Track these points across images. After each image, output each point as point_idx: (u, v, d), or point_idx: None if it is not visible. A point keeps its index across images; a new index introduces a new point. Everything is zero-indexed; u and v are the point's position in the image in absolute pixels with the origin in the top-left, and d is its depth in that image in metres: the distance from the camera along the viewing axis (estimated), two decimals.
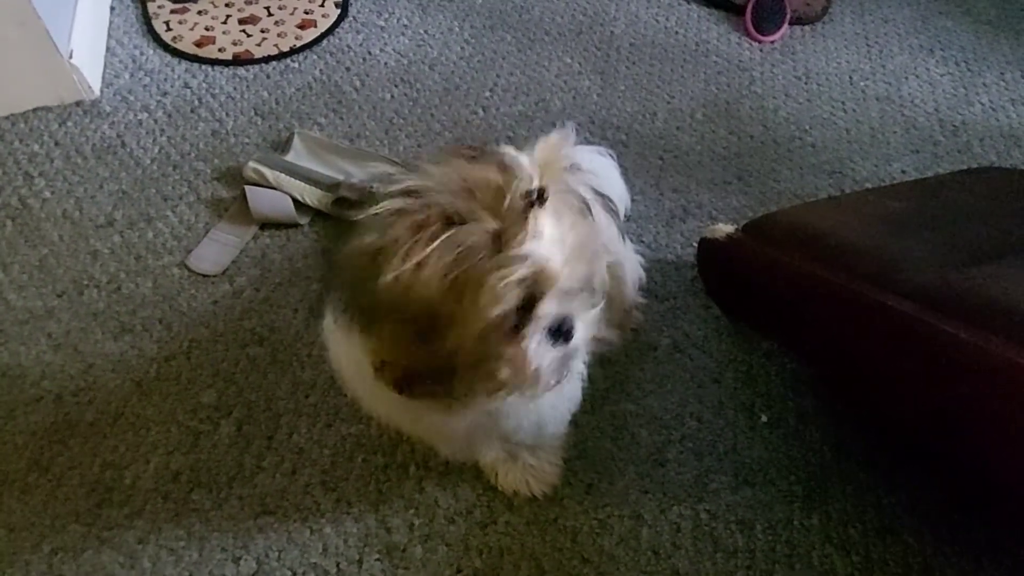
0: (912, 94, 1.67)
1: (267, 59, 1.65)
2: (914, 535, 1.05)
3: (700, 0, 1.85)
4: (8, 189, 1.39)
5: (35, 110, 1.52)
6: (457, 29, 1.74)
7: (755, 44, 1.76)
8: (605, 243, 0.79)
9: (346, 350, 0.75)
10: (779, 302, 1.15)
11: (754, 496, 1.08)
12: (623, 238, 1.06)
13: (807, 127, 1.59)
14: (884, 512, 1.07)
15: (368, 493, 1.06)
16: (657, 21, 1.80)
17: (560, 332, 0.67)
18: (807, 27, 1.81)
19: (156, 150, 1.47)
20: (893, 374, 0.95)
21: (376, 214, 0.64)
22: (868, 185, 1.49)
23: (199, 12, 1.74)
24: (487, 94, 1.61)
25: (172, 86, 1.59)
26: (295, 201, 1.35)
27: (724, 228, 1.24)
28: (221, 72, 1.62)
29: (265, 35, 1.69)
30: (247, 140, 1.49)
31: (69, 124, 1.50)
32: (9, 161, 1.44)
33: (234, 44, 1.67)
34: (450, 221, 0.61)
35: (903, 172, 1.52)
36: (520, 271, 0.61)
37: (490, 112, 1.57)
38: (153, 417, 1.13)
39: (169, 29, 1.69)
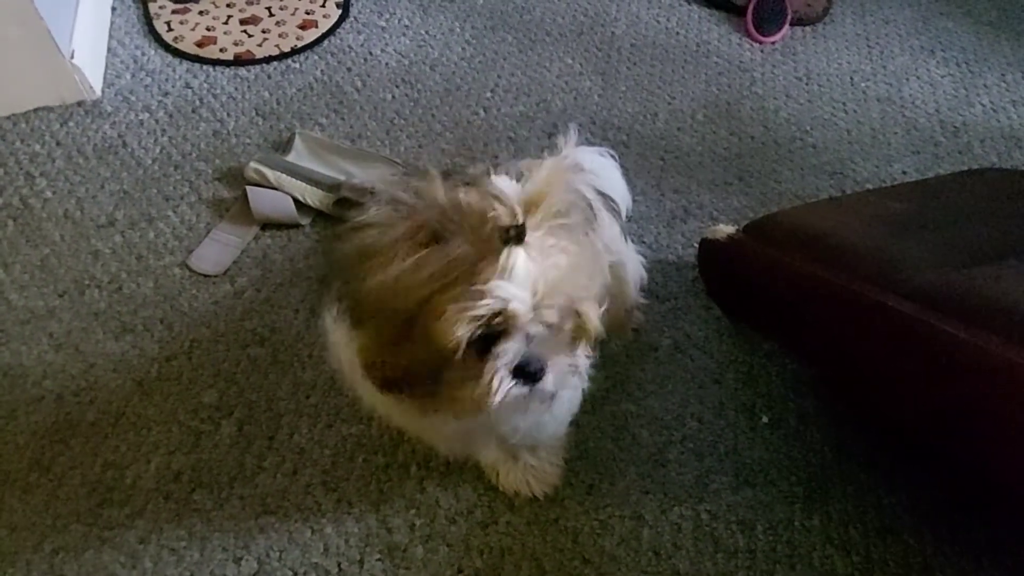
0: (913, 95, 1.67)
1: (268, 59, 1.65)
2: (914, 535, 1.05)
3: (701, 1, 1.85)
4: (10, 189, 1.40)
5: (37, 110, 1.52)
6: (458, 30, 1.74)
7: (756, 45, 1.76)
8: (604, 263, 0.77)
9: (345, 346, 0.76)
10: (780, 303, 1.15)
11: (755, 497, 1.08)
12: (625, 238, 1.06)
13: (808, 128, 1.59)
14: (885, 512, 1.07)
15: (369, 493, 1.06)
16: (658, 22, 1.80)
17: (524, 372, 0.66)
18: (808, 28, 1.81)
19: (157, 150, 1.47)
20: (893, 374, 0.95)
21: (367, 220, 0.65)
22: (869, 186, 1.49)
23: (200, 12, 1.74)
24: (488, 95, 1.61)
25: (173, 86, 1.59)
26: (296, 201, 1.35)
27: (725, 229, 1.24)
28: (222, 72, 1.62)
29: (266, 35, 1.70)
30: (248, 140, 1.49)
31: (71, 124, 1.51)
32: (11, 161, 1.44)
33: (235, 44, 1.68)
34: (435, 238, 0.62)
35: (904, 173, 1.52)
36: (478, 308, 0.60)
37: (491, 113, 1.57)
38: (154, 417, 1.13)
39: (170, 29, 1.70)
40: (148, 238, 1.34)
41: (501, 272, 0.60)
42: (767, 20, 1.76)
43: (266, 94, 1.58)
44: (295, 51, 1.67)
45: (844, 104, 1.64)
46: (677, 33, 1.77)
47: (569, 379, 0.72)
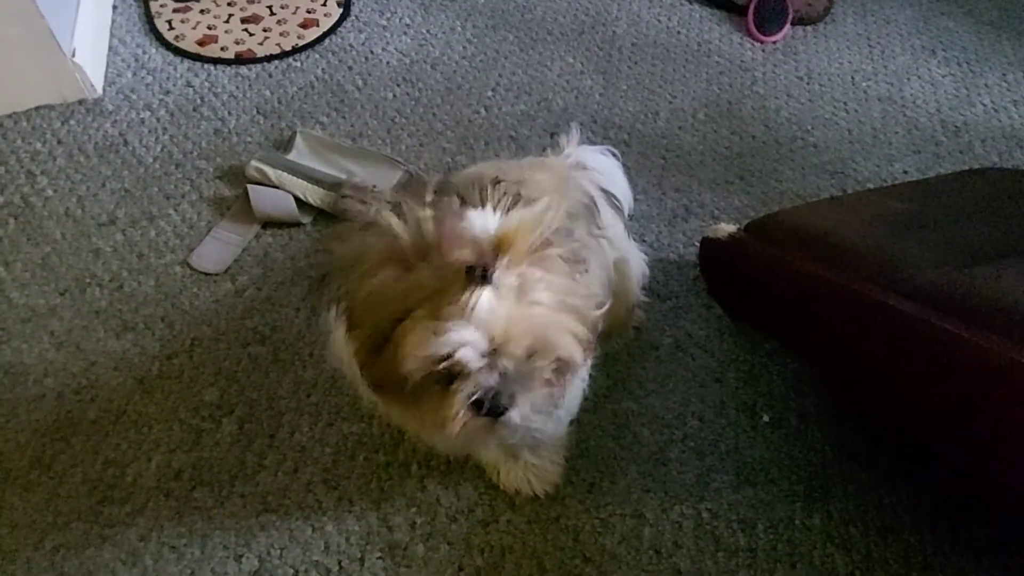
0: (914, 95, 1.67)
1: (269, 58, 1.65)
2: (915, 534, 1.05)
3: (702, 0, 1.85)
4: (11, 187, 1.40)
5: (38, 108, 1.52)
6: (459, 28, 1.74)
7: (757, 44, 1.76)
8: (603, 279, 0.76)
9: (345, 344, 0.76)
10: (781, 302, 1.15)
11: (756, 495, 1.08)
12: (628, 236, 1.07)
13: (809, 127, 1.59)
14: (885, 511, 1.07)
15: (370, 491, 1.06)
16: (659, 21, 1.80)
17: (485, 405, 0.65)
18: (809, 27, 1.81)
19: (158, 149, 1.47)
20: (894, 374, 0.95)
21: (363, 225, 0.66)
22: (870, 185, 1.49)
23: (201, 11, 1.74)
24: (489, 93, 1.61)
25: (174, 85, 1.59)
26: (297, 200, 1.35)
27: (726, 228, 1.24)
28: (223, 71, 1.62)
29: (267, 34, 1.70)
30: (249, 139, 1.49)
31: (72, 122, 1.51)
32: (12, 159, 1.44)
33: (236, 43, 1.68)
34: (409, 262, 0.62)
35: (905, 172, 1.52)
36: (432, 349, 0.60)
37: (492, 111, 1.57)
38: (155, 415, 1.13)
39: (171, 28, 1.70)
40: (149, 236, 1.34)
41: (462, 312, 0.59)
42: (768, 19, 1.76)
43: (267, 93, 1.58)
44: (296, 50, 1.67)
45: (845, 103, 1.64)
46: (678, 32, 1.77)
47: (545, 410, 0.71)
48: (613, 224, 0.99)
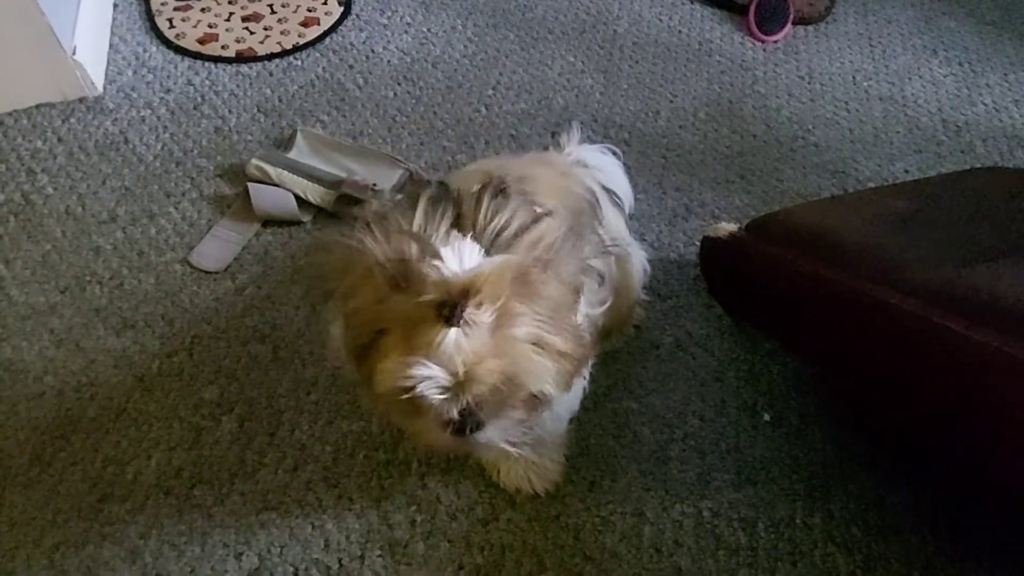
0: (915, 94, 1.67)
1: (270, 56, 1.65)
2: (916, 534, 1.05)
3: None
4: (11, 185, 1.40)
5: (38, 106, 1.52)
6: (460, 27, 1.74)
7: (758, 44, 1.76)
8: (584, 326, 0.75)
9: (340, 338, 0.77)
10: (781, 301, 1.15)
11: (756, 494, 1.08)
12: (629, 233, 1.07)
13: (810, 127, 1.59)
14: (886, 511, 1.07)
15: (370, 489, 1.06)
16: (660, 20, 1.80)
17: (455, 425, 0.65)
18: (810, 27, 1.81)
19: (159, 147, 1.47)
20: (895, 373, 0.95)
21: (342, 242, 0.66)
22: (871, 185, 1.49)
23: (202, 9, 1.74)
24: (490, 92, 1.61)
25: (175, 83, 1.59)
26: (297, 198, 1.35)
27: (727, 227, 1.24)
28: (224, 69, 1.62)
29: (268, 33, 1.69)
30: (250, 137, 1.49)
31: (72, 120, 1.50)
32: (12, 157, 1.44)
33: (237, 41, 1.67)
34: (387, 284, 0.62)
35: (906, 172, 1.52)
36: (399, 378, 0.61)
37: (493, 110, 1.57)
38: (155, 413, 1.13)
39: (172, 26, 1.70)
40: (149, 234, 1.34)
41: (428, 347, 0.59)
42: (769, 19, 1.75)
43: (268, 91, 1.58)
44: (297, 48, 1.67)
45: (846, 103, 1.64)
46: (679, 32, 1.77)
47: (517, 434, 0.71)
48: (614, 221, 0.99)
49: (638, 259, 1.08)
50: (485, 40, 1.72)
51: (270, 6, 1.75)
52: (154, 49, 1.65)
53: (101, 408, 1.13)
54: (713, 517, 1.05)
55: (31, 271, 1.28)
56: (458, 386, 0.61)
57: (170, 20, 1.71)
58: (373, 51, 1.68)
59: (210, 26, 1.70)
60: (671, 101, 1.62)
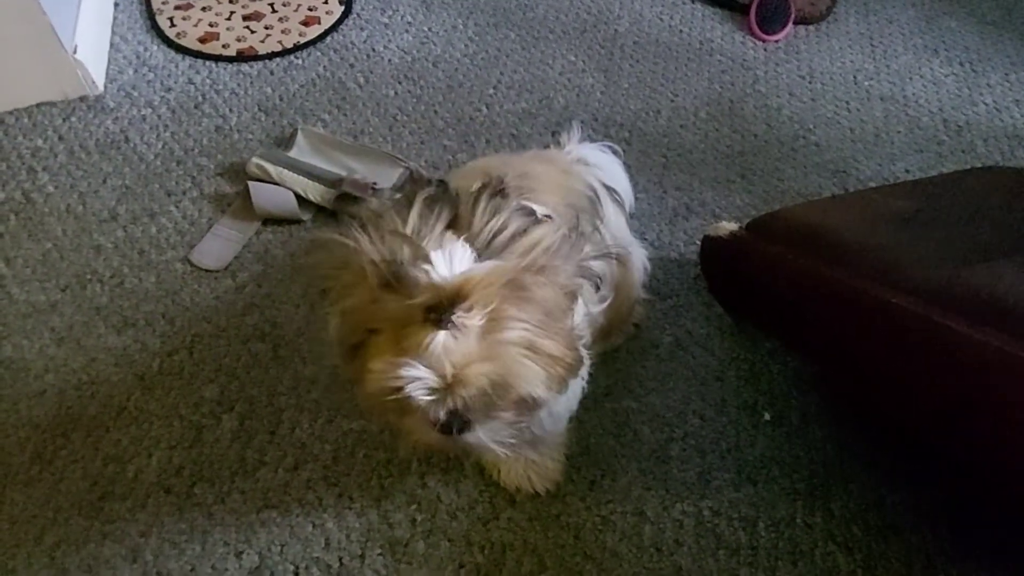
0: (916, 94, 1.67)
1: (271, 55, 1.65)
2: (917, 534, 1.04)
3: None
4: (12, 184, 1.40)
5: (39, 105, 1.52)
6: (461, 26, 1.74)
7: (759, 43, 1.76)
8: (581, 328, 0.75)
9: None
10: (782, 300, 1.15)
11: (757, 494, 1.08)
12: (629, 230, 1.07)
13: (811, 126, 1.59)
14: (887, 510, 1.06)
15: (370, 488, 1.06)
16: (661, 19, 1.80)
17: (442, 425, 0.66)
18: (811, 26, 1.81)
19: (160, 146, 1.47)
20: (895, 372, 0.95)
21: (338, 241, 0.66)
22: (872, 184, 1.49)
23: (203, 8, 1.74)
24: (490, 91, 1.61)
25: (176, 82, 1.59)
26: (298, 197, 1.35)
27: (727, 226, 1.24)
28: (225, 68, 1.62)
29: (269, 32, 1.70)
30: (251, 136, 1.49)
31: (73, 119, 1.51)
32: (13, 156, 1.44)
33: (238, 40, 1.67)
34: (379, 285, 0.62)
35: (907, 171, 1.52)
36: (386, 379, 0.61)
37: (493, 109, 1.57)
38: (155, 411, 1.13)
39: (173, 25, 1.70)
40: (150, 233, 1.34)
41: (416, 350, 0.60)
42: (770, 18, 1.75)
43: (269, 90, 1.58)
44: (298, 47, 1.67)
45: (847, 103, 1.64)
46: (680, 31, 1.77)
47: (508, 436, 0.71)
48: (615, 219, 0.99)
49: (638, 257, 1.08)
50: (486, 39, 1.72)
51: (271, 5, 1.75)
52: (155, 48, 1.65)
53: (102, 406, 1.13)
54: (714, 516, 1.05)
55: (32, 269, 1.28)
56: (446, 388, 0.61)
57: (171, 19, 1.71)
58: (374, 50, 1.68)
59: (211, 25, 1.70)
60: (672, 100, 1.62)
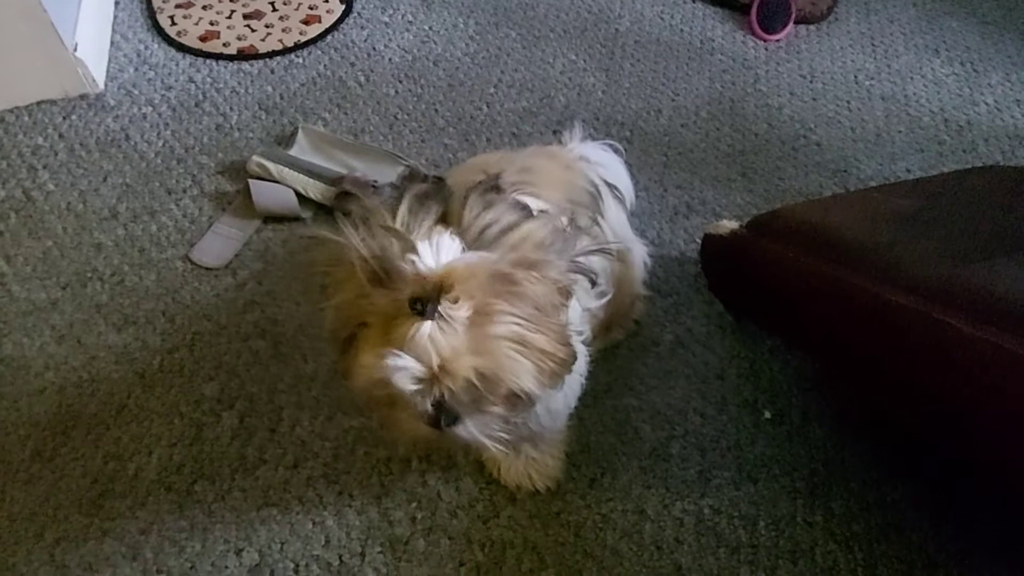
0: (917, 93, 1.67)
1: (271, 54, 1.65)
2: (917, 532, 1.04)
3: None
4: (12, 182, 1.40)
5: (39, 103, 1.52)
6: (462, 25, 1.74)
7: (760, 43, 1.76)
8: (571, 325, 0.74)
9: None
10: (782, 298, 1.14)
11: (757, 492, 1.07)
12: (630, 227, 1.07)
13: (812, 126, 1.59)
14: (888, 509, 1.06)
15: (371, 486, 1.06)
16: (662, 19, 1.80)
17: (430, 417, 0.66)
18: (812, 26, 1.81)
19: (160, 144, 1.47)
20: (896, 370, 0.95)
21: (329, 239, 0.66)
22: (873, 184, 1.49)
23: (204, 7, 1.74)
24: (491, 90, 1.61)
25: (176, 80, 1.59)
26: (298, 195, 1.35)
27: (728, 224, 1.24)
28: (225, 67, 1.62)
29: (269, 30, 1.70)
30: (251, 134, 1.49)
31: (73, 117, 1.51)
32: (13, 154, 1.44)
33: (238, 39, 1.68)
34: (368, 279, 0.63)
35: (908, 171, 1.52)
36: (373, 370, 0.62)
37: (494, 108, 1.57)
38: (156, 409, 1.13)
39: (174, 24, 1.70)
40: (150, 231, 1.34)
41: (403, 342, 0.60)
42: (771, 18, 1.75)
43: (269, 89, 1.58)
44: (298, 46, 1.67)
45: (848, 102, 1.64)
46: (681, 30, 1.77)
47: (499, 430, 0.71)
48: (616, 215, 0.99)
49: (638, 254, 1.08)
50: (487, 38, 1.72)
51: (271, 4, 1.75)
52: (155, 46, 1.66)
53: (102, 404, 1.13)
54: (714, 514, 1.05)
55: (32, 267, 1.28)
56: (432, 379, 0.61)
57: (172, 17, 1.71)
58: (374, 49, 1.68)
59: (211, 24, 1.70)
60: (673, 99, 1.62)
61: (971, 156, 1.55)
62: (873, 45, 1.77)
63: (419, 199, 0.66)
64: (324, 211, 1.37)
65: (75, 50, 1.48)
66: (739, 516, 1.05)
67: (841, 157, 1.53)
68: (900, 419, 1.06)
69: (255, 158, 1.38)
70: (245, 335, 1.21)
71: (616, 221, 0.99)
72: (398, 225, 0.65)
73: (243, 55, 1.64)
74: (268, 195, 1.34)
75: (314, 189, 1.35)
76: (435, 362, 0.60)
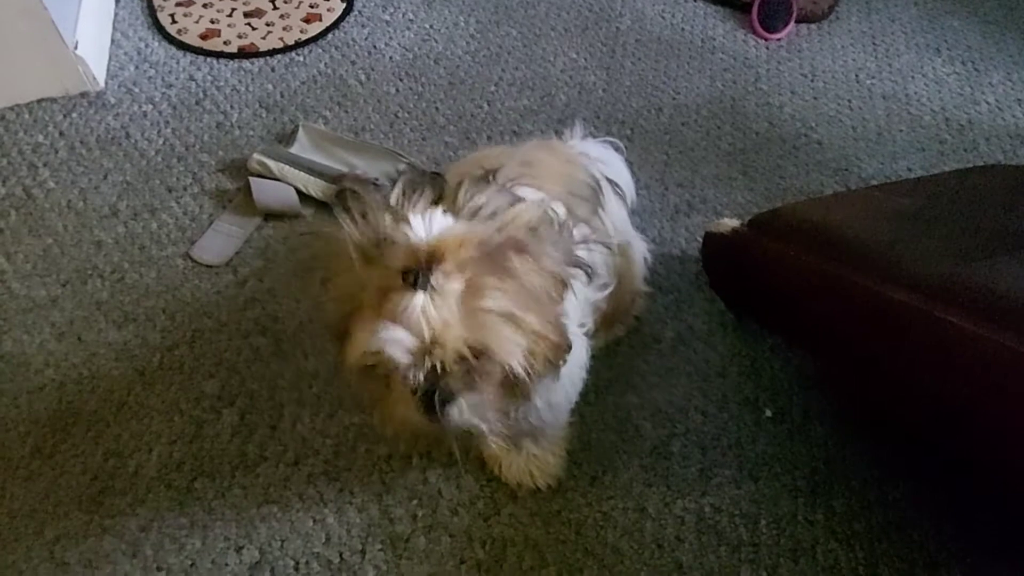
0: (918, 93, 1.67)
1: (272, 52, 1.65)
2: (919, 530, 1.04)
3: None
4: (13, 179, 1.40)
5: (40, 101, 1.52)
6: (462, 23, 1.74)
7: (761, 41, 1.76)
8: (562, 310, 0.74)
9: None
10: (783, 296, 1.14)
11: (758, 490, 1.07)
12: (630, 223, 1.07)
13: (813, 124, 1.59)
14: (889, 507, 1.06)
15: (371, 483, 1.06)
16: (663, 17, 1.80)
17: (424, 395, 0.66)
18: (813, 25, 1.80)
19: (161, 142, 1.47)
20: (897, 368, 0.95)
21: (326, 233, 0.67)
22: (874, 182, 1.49)
23: (204, 5, 1.74)
24: (492, 88, 1.61)
25: (177, 78, 1.59)
26: (299, 192, 1.35)
27: (729, 222, 1.24)
28: (226, 65, 1.62)
29: (270, 28, 1.69)
30: (252, 132, 1.49)
31: (74, 115, 1.50)
32: (14, 151, 1.44)
33: (239, 37, 1.67)
34: (362, 261, 0.63)
35: (909, 170, 1.51)
36: (368, 344, 0.62)
37: (495, 106, 1.57)
38: (156, 406, 1.13)
39: (174, 22, 1.70)
40: (151, 229, 1.34)
41: (396, 314, 0.60)
42: (772, 17, 1.75)
43: (270, 87, 1.58)
44: (299, 44, 1.67)
45: (849, 101, 1.64)
46: (682, 29, 1.77)
47: (494, 417, 0.71)
48: (616, 210, 0.99)
49: (639, 249, 1.08)
50: (487, 36, 1.72)
51: (272, 2, 1.75)
52: (156, 44, 1.65)
53: (102, 401, 1.13)
54: (715, 513, 1.05)
55: (32, 265, 1.28)
56: (424, 351, 0.62)
57: (172, 16, 1.71)
58: (375, 47, 1.68)
59: (212, 22, 1.70)
60: (674, 98, 1.62)
61: (972, 155, 1.55)
62: (874, 44, 1.77)
63: (412, 183, 0.67)
64: (325, 209, 1.37)
65: (76, 48, 1.48)
66: (740, 514, 1.05)
67: (842, 156, 1.53)
68: (901, 418, 1.05)
69: (256, 156, 1.38)
70: (246, 332, 1.21)
71: (617, 216, 0.99)
72: (392, 203, 0.66)
73: (244, 53, 1.64)
74: (269, 193, 1.34)
75: (315, 187, 1.35)
76: (427, 334, 0.61)
